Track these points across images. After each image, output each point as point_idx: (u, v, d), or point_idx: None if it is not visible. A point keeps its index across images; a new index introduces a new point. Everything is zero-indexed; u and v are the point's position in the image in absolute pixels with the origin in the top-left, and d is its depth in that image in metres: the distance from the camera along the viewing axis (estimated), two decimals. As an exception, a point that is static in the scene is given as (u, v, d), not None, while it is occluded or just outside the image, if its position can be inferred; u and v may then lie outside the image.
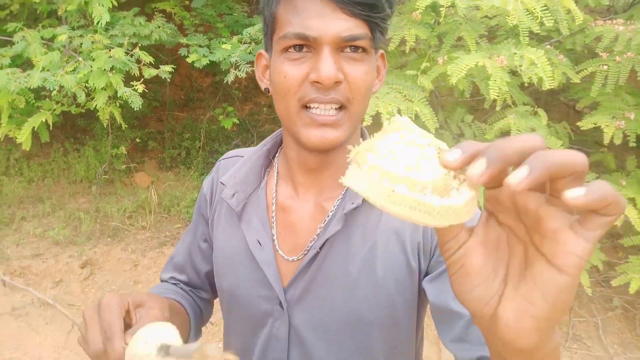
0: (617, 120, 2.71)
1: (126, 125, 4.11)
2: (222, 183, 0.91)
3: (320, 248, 0.80)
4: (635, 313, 3.57)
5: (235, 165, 0.93)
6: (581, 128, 2.74)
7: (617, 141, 2.69)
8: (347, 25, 0.69)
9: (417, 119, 2.54)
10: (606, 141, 2.67)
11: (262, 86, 0.85)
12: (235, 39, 3.49)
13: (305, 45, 0.71)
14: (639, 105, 2.87)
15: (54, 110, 3.56)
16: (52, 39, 3.49)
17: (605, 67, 2.74)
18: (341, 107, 0.73)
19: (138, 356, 0.54)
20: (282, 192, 0.88)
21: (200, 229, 1.01)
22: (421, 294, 0.83)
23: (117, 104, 3.70)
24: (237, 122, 5.14)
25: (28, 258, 3.93)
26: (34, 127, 3.31)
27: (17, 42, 3.30)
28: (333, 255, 0.81)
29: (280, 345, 0.84)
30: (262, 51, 0.84)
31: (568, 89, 3.62)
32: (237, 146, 5.64)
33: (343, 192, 0.84)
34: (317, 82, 0.70)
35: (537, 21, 2.30)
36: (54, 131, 3.65)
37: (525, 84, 2.58)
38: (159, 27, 3.79)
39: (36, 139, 3.52)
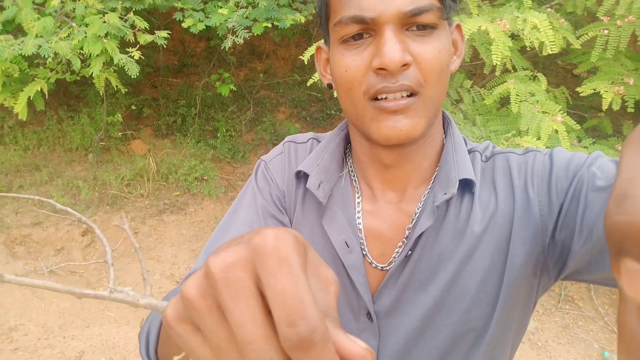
0: (616, 85, 2.71)
1: (127, 89, 4.06)
2: (304, 172, 0.76)
3: (412, 249, 0.71)
4: (627, 274, 3.67)
5: (314, 150, 0.80)
6: (580, 94, 2.75)
7: (616, 107, 2.70)
8: None
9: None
10: (605, 107, 2.68)
11: (325, 82, 0.76)
12: (231, 2, 3.42)
13: (363, 30, 0.62)
14: (638, 70, 2.87)
15: (49, 78, 3.51)
16: (44, 3, 3.40)
17: (606, 31, 2.73)
18: (412, 94, 0.63)
19: None
20: (362, 191, 0.77)
21: (268, 208, 0.80)
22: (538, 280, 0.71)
23: (112, 70, 3.65)
24: (234, 88, 5.09)
25: (28, 226, 3.95)
26: (29, 96, 3.27)
27: (8, 7, 3.22)
28: (426, 256, 0.71)
29: None
30: (321, 44, 0.75)
31: (567, 53, 3.61)
32: (233, 113, 5.61)
33: (428, 188, 0.73)
34: (382, 68, 0.60)
35: (541, -16, 2.27)
36: (47, 98, 3.61)
37: (528, 48, 2.57)
38: (153, -10, 3.69)
39: (30, 106, 3.48)
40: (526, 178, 0.69)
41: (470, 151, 0.75)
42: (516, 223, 0.68)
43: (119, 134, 5.07)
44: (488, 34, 2.32)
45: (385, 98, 0.63)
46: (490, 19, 2.41)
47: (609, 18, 2.75)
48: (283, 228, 0.30)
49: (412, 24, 0.61)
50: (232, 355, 0.29)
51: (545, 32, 2.30)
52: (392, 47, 0.59)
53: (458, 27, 0.71)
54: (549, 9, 3.01)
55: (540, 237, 0.67)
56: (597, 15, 2.80)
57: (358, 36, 0.63)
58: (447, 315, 0.70)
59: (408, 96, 0.63)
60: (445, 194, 0.68)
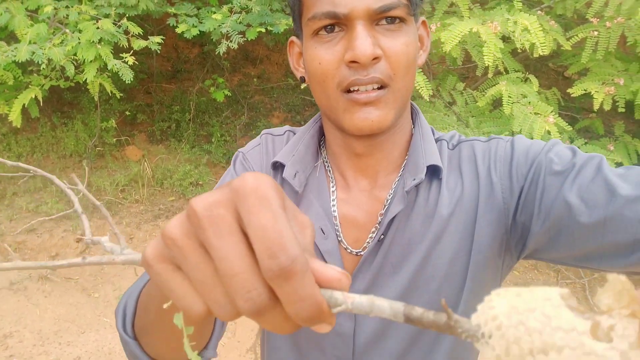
0: (607, 86, 2.74)
1: (121, 95, 4.06)
2: (281, 163, 0.79)
3: (385, 234, 0.74)
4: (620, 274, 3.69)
5: (289, 142, 0.83)
6: (572, 95, 2.78)
7: (607, 107, 2.73)
8: None
9: (410, 87, 2.55)
10: (596, 107, 2.71)
11: (297, 75, 0.79)
12: (225, 8, 3.44)
13: (336, 24, 0.66)
14: (628, 71, 2.91)
15: (43, 85, 3.50)
16: (37, 10, 3.40)
17: (596, 32, 2.76)
18: (382, 86, 0.67)
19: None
20: (336, 180, 0.80)
21: None
22: (504, 258, 0.75)
23: (106, 76, 3.65)
24: (228, 94, 5.10)
25: (23, 233, 3.93)
26: (24, 104, 3.26)
27: (1, 14, 3.22)
28: (398, 240, 0.74)
29: (345, 343, 0.77)
30: (294, 38, 0.78)
31: (557, 56, 3.65)
32: (227, 118, 5.62)
33: (399, 175, 0.77)
34: (354, 61, 0.64)
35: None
36: (41, 105, 3.60)
37: (519, 50, 2.60)
38: (146, -4, 3.70)
39: (23, 113, 3.48)
40: (489, 164, 0.73)
41: (437, 140, 0.79)
42: (481, 206, 0.72)
43: (113, 140, 5.06)
44: (479, 36, 2.35)
45: (357, 90, 0.66)
46: (481, 21, 2.44)
47: (598, 20, 2.79)
48: (261, 173, 0.32)
49: (382, 18, 0.65)
50: (217, 290, 0.31)
51: (536, 33, 2.33)
52: (364, 41, 0.63)
53: (424, 23, 0.76)
54: (539, 12, 3.04)
55: (503, 220, 0.71)
56: (586, 17, 2.83)
57: (330, 28, 0.66)
58: (419, 296, 0.74)
59: (378, 88, 0.66)
60: (414, 179, 0.72)
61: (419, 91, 2.48)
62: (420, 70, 2.55)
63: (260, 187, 0.30)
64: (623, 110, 2.74)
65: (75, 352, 2.93)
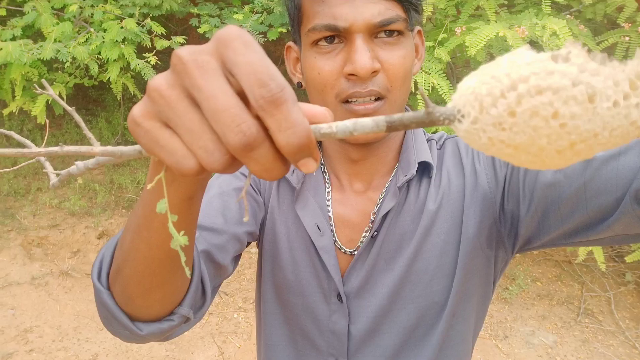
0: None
1: (142, 95, 4.09)
2: None
3: (378, 230, 0.76)
4: (648, 287, 3.58)
5: None
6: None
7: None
8: (378, 9, 0.64)
9: (433, 91, 2.51)
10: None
11: (294, 80, 0.78)
12: (246, 8, 3.44)
13: (336, 35, 0.67)
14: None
15: (67, 82, 3.55)
16: (63, 9, 3.45)
17: (627, 38, 2.67)
18: (380, 97, 0.68)
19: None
20: (332, 182, 0.82)
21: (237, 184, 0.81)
22: (496, 253, 0.77)
23: (129, 75, 3.68)
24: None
25: (45, 229, 4.00)
26: (48, 100, 3.31)
27: (28, 12, 3.27)
28: (390, 236, 0.76)
29: (339, 341, 0.79)
30: (291, 43, 0.78)
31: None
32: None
33: (392, 176, 0.79)
34: (353, 74, 0.65)
35: (560, -10, 2.23)
36: (66, 102, 3.66)
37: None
38: (170, -4, 3.72)
39: (49, 110, 3.53)
40: (473, 156, 0.77)
41: (428, 140, 0.82)
42: (467, 197, 0.75)
43: (136, 138, 5.11)
44: (506, 41, 2.29)
45: (355, 101, 0.68)
46: (508, 25, 2.37)
47: (630, 25, 2.70)
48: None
49: (380, 31, 0.66)
50: (206, 136, 0.30)
51: (565, 38, 2.26)
52: (363, 55, 0.64)
53: (419, 32, 0.77)
54: (568, 16, 2.95)
55: (490, 209, 0.74)
56: (617, 21, 2.74)
57: (330, 39, 0.67)
58: (411, 289, 0.76)
59: (376, 99, 0.68)
60: (405, 175, 0.75)
61: (442, 96, 2.43)
62: (444, 74, 2.50)
63: (244, 34, 0.30)
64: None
65: (94, 348, 2.96)
